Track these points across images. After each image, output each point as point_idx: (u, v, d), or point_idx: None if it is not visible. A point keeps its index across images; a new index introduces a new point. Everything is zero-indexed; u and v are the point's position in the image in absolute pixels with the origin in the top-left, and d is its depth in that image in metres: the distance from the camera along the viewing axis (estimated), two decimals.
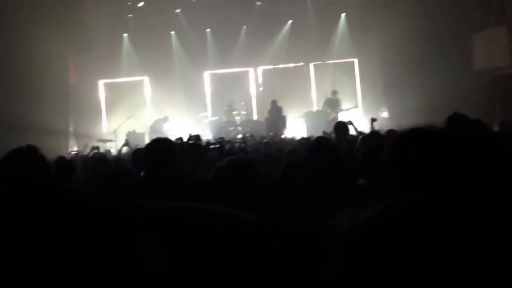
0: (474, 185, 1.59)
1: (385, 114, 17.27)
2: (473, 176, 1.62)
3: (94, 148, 10.06)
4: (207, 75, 20.64)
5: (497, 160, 3.41)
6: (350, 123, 7.72)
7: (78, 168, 5.78)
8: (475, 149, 1.68)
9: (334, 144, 5.60)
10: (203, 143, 8.03)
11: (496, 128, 7.78)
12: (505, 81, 13.00)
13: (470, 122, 3.93)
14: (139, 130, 17.46)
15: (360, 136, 4.96)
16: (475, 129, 3.77)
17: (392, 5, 15.08)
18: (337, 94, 17.80)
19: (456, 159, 1.62)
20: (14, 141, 12.18)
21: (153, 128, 17.27)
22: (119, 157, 7.11)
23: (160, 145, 3.89)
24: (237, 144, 9.47)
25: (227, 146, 9.00)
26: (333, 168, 3.58)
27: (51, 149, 13.40)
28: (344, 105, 17.71)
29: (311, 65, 20.63)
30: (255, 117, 19.88)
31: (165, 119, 17.93)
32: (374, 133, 5.54)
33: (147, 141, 16.80)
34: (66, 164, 4.64)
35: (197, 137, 8.02)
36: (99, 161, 5.86)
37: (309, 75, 20.71)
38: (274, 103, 17.84)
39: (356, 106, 17.23)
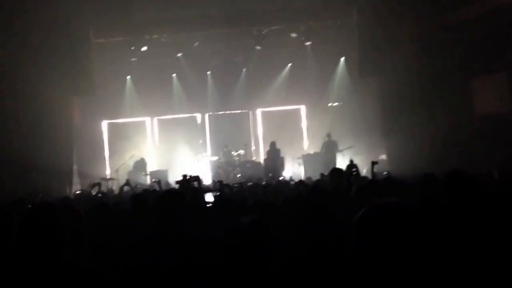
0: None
1: (383, 157, 17.26)
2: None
3: (95, 184, 10.02)
4: (207, 116, 21.03)
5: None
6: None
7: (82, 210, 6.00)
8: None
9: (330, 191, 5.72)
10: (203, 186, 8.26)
11: (496, 177, 7.60)
12: (506, 128, 12.77)
13: (468, 180, 3.86)
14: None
15: (354, 188, 5.03)
16: (471, 189, 3.73)
17: (392, 49, 15.03)
18: (331, 137, 17.96)
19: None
20: (21, 181, 12.42)
21: (135, 170, 17.89)
22: (119, 200, 7.30)
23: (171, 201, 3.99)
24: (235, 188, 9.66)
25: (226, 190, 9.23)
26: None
27: (56, 189, 13.61)
28: (341, 146, 17.81)
29: (310, 107, 20.96)
30: (253, 158, 20.13)
31: (142, 160, 18.55)
32: (371, 184, 5.43)
33: (148, 181, 17.07)
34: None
35: (197, 178, 8.19)
36: (101, 206, 6.07)
37: (309, 117, 21.02)
38: (272, 144, 18.03)
39: (351, 147, 17.24)
